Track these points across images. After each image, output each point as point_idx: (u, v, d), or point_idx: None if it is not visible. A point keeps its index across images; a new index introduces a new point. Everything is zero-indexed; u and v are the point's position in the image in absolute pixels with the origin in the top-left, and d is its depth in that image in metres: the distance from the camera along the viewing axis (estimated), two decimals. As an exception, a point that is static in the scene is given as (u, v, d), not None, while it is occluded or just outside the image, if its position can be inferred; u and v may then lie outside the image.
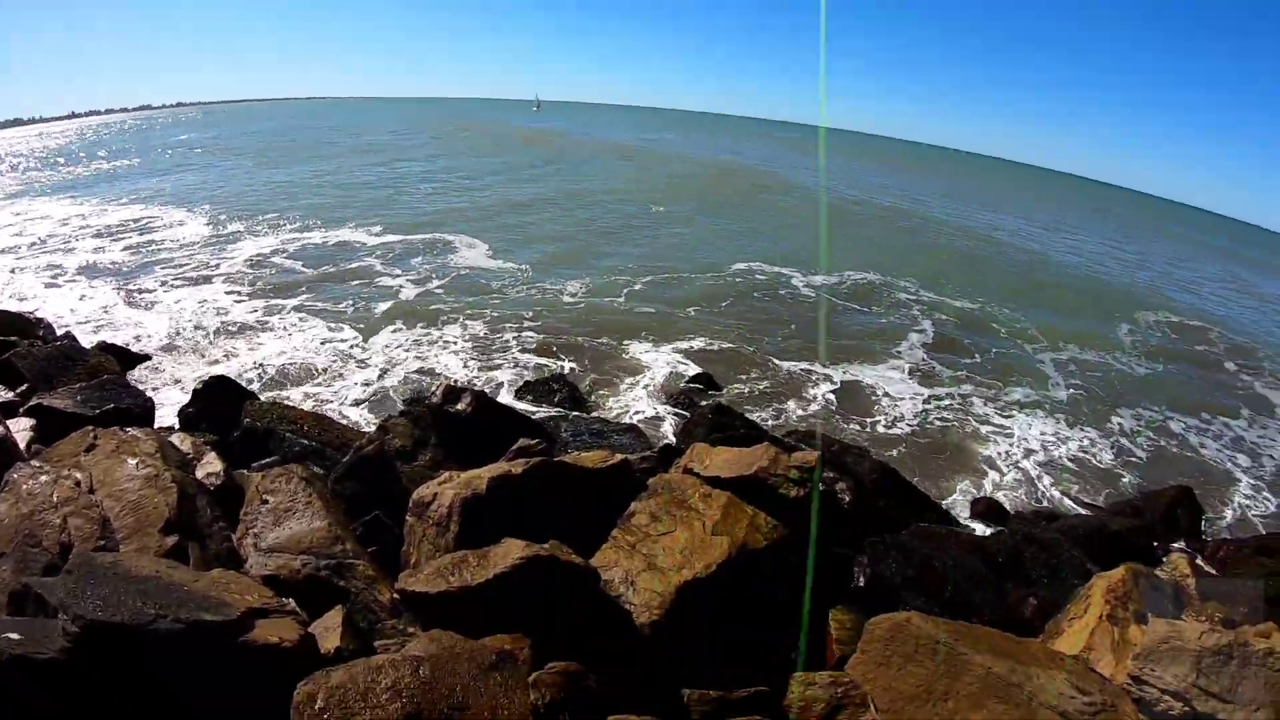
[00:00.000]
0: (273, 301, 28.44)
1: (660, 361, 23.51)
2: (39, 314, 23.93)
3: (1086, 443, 21.29)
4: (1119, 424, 23.01)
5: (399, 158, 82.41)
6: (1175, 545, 15.32)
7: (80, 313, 26.61)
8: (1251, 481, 20.47)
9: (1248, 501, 19.27)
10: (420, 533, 10.03)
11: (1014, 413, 22.81)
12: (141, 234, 40.81)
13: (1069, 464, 19.72)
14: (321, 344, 23.66)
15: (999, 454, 19.71)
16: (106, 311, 26.89)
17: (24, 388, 16.14)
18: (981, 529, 15.30)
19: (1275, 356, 35.63)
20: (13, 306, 24.46)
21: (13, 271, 32.79)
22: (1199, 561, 13.66)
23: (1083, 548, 13.65)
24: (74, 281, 31.16)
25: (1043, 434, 21.48)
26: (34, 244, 38.12)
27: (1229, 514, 18.36)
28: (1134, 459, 20.70)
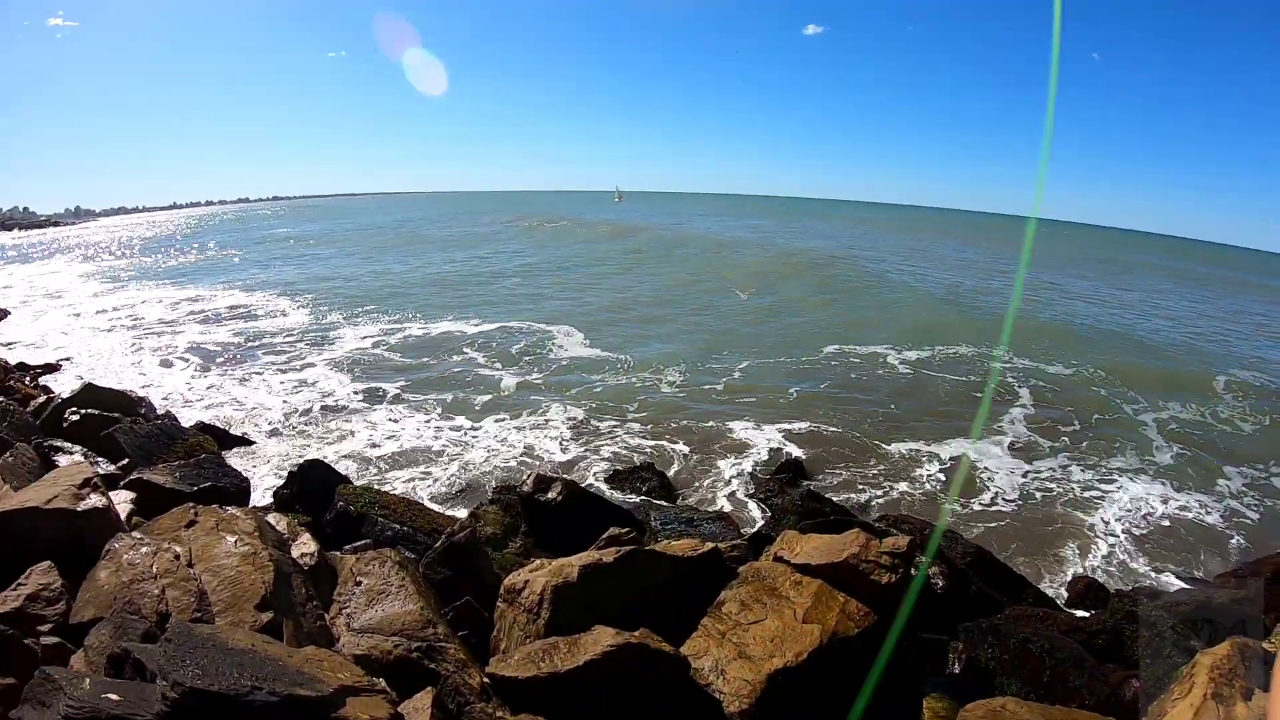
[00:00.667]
0: (371, 388, 28.85)
1: (756, 446, 23.30)
2: (142, 393, 24.61)
3: (1193, 507, 20.46)
4: (1226, 486, 22.17)
5: (487, 252, 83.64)
6: None
7: (182, 393, 27.35)
8: None
9: None
10: (511, 619, 10.02)
11: (1115, 480, 22.13)
12: (245, 320, 42.11)
13: (1173, 533, 18.98)
14: (418, 433, 23.86)
15: (1099, 527, 19.05)
16: (208, 392, 27.59)
17: (125, 462, 16.55)
18: (1080, 610, 14.84)
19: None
20: (116, 384, 25.09)
21: (120, 351, 33.86)
22: None
23: (1187, 624, 13.22)
24: (178, 363, 32.14)
25: (1145, 502, 20.71)
26: (143, 326, 39.43)
27: None
28: (1243, 522, 19.92)
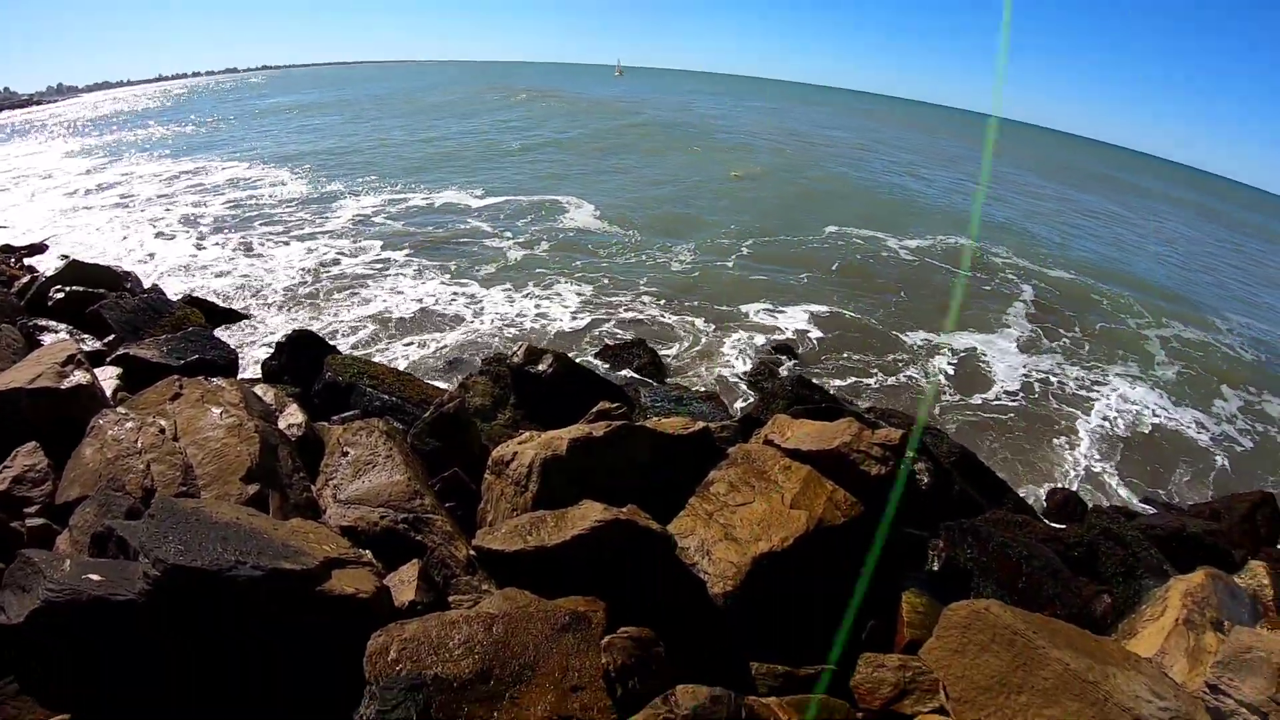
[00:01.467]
0: (369, 260, 28.60)
1: (749, 329, 23.24)
2: (131, 268, 24.38)
3: (1182, 426, 20.67)
4: (1220, 408, 22.30)
5: (484, 123, 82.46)
6: (1259, 552, 14.84)
7: (173, 266, 27.14)
8: None
9: None
10: (498, 491, 10.02)
11: (1112, 389, 22.25)
12: (240, 191, 41.61)
13: (1159, 451, 19.16)
14: (419, 302, 23.75)
15: (1087, 437, 19.18)
16: (199, 265, 27.42)
17: (111, 338, 16.43)
18: (1058, 522, 14.92)
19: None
20: (103, 260, 24.83)
21: (108, 227, 33.42)
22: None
23: (1160, 548, 13.32)
24: (167, 237, 31.77)
25: (1136, 413, 20.92)
26: (133, 201, 38.89)
27: None
28: (1229, 449, 20.01)
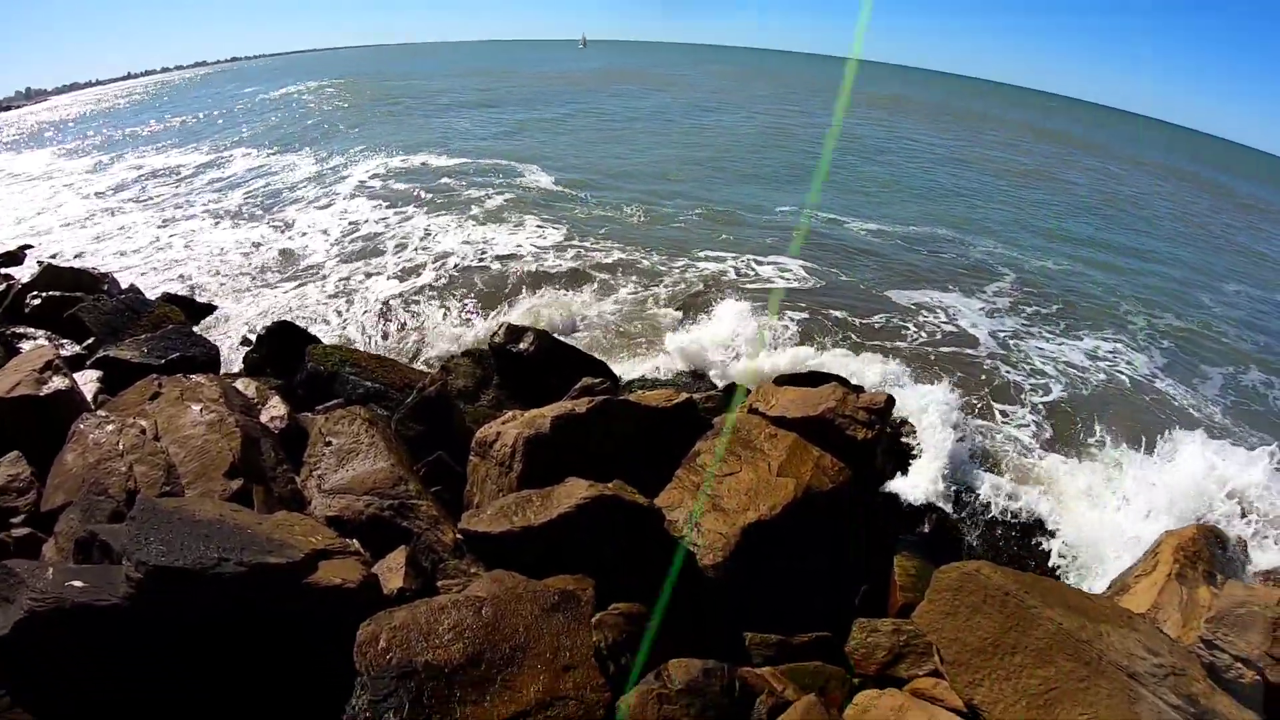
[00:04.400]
0: (321, 253, 28.20)
1: (734, 296, 23.08)
2: (105, 268, 24.15)
3: (1165, 391, 20.72)
4: (1200, 383, 22.32)
5: (448, 104, 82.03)
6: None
7: (149, 264, 26.78)
8: None
9: None
10: (483, 472, 10.01)
11: (1093, 358, 22.28)
12: (214, 181, 40.90)
13: (1143, 412, 19.16)
14: (387, 289, 23.58)
15: (1078, 401, 19.18)
16: (174, 260, 27.00)
17: (90, 341, 16.32)
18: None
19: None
20: (78, 263, 24.61)
21: (81, 229, 33.02)
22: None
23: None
24: (141, 234, 31.21)
25: (1121, 379, 20.96)
26: (105, 200, 38.18)
27: None
28: (1213, 414, 20.04)
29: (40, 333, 16.62)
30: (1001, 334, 22.27)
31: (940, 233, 32.56)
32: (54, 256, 26.50)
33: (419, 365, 17.40)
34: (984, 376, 19.69)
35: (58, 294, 18.65)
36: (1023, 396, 18.77)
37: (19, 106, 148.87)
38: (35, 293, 18.75)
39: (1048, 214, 39.16)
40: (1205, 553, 9.45)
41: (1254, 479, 11.96)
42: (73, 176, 46.36)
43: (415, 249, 27.10)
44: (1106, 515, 12.46)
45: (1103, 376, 20.51)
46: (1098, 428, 17.01)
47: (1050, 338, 22.37)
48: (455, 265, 24.83)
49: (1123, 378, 20.48)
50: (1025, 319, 23.72)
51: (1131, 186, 55.88)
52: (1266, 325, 26.05)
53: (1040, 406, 18.45)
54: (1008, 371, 19.99)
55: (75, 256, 27.37)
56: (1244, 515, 11.48)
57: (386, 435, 10.39)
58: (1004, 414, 17.68)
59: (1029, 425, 17.36)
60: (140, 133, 69.00)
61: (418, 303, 21.82)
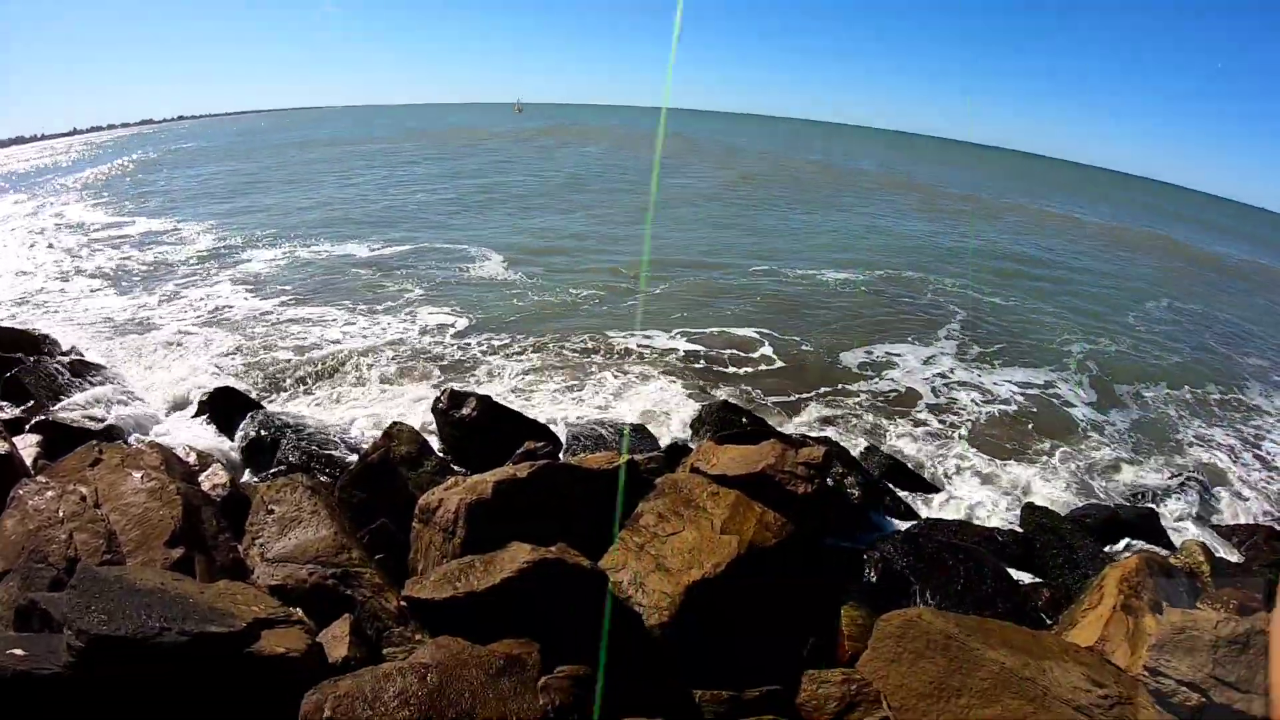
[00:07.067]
0: (272, 315, 28.03)
1: (673, 358, 23.35)
2: (44, 330, 23.87)
3: (1105, 426, 21.25)
4: (1138, 410, 22.97)
5: (384, 164, 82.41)
6: (1190, 532, 15.24)
7: (89, 324, 26.47)
8: (1265, 465, 20.41)
9: (1266, 485, 19.10)
10: (426, 539, 10.00)
11: (1036, 395, 22.85)
12: (153, 244, 40.56)
13: (1083, 448, 19.62)
14: (335, 346, 23.51)
15: (1015, 439, 19.61)
16: (116, 322, 26.73)
17: (29, 404, 16.13)
18: (993, 519, 15.19)
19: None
20: (21, 323, 24.36)
21: (20, 288, 32.64)
22: (1214, 548, 13.62)
23: (1095, 536, 13.67)
24: (84, 293, 30.98)
25: (1060, 416, 21.51)
26: (46, 258, 37.88)
27: (1248, 498, 18.18)
28: (1151, 444, 20.62)
29: (-23, 395, 16.44)
30: (937, 374, 22.92)
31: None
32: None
33: (359, 431, 17.36)
34: (923, 417, 20.14)
35: (-4, 354, 18.39)
36: (962, 434, 19.25)
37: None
38: (-28, 353, 18.46)
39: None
40: (1149, 582, 9.65)
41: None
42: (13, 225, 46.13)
43: (353, 318, 27.11)
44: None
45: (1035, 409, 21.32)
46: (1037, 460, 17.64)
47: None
48: (398, 338, 24.86)
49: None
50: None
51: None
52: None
53: (983, 441, 18.96)
54: (945, 412, 20.51)
55: (10, 316, 27.05)
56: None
57: (329, 503, 10.35)
58: (945, 455, 18.09)
59: (969, 464, 17.75)
60: (70, 184, 68.91)
61: (360, 370, 21.81)
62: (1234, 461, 20.36)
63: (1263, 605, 9.44)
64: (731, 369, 22.93)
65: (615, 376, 21.69)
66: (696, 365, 22.99)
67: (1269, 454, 21.21)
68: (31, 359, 18.23)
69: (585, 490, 10.44)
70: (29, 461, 11.80)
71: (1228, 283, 51.46)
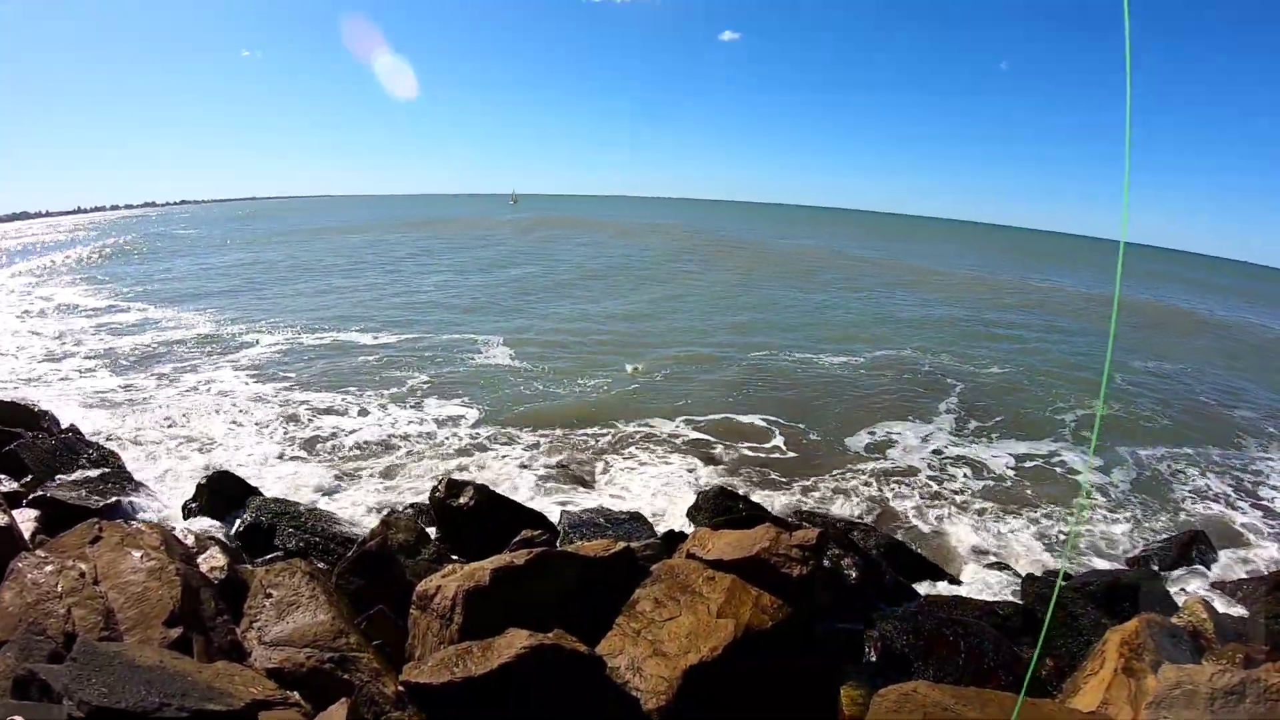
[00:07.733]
0: (272, 401, 28.08)
1: (670, 445, 23.43)
2: (43, 406, 23.86)
3: (1105, 490, 21.35)
4: (1136, 472, 23.06)
5: (377, 260, 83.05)
6: (1191, 590, 15.24)
7: (89, 403, 26.48)
8: (1264, 515, 20.52)
9: (1267, 537, 19.13)
10: (424, 625, 9.99)
11: (1032, 465, 22.98)
12: (151, 329, 40.68)
13: (1083, 515, 19.68)
14: (330, 440, 23.53)
15: (1013, 510, 19.67)
16: (115, 403, 26.75)
17: (28, 479, 16.14)
18: (993, 593, 15.16)
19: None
20: (19, 398, 24.35)
21: (20, 364, 32.73)
22: (1217, 604, 13.63)
23: (1097, 603, 13.63)
24: (84, 373, 31.07)
25: (1057, 483, 21.67)
26: (45, 338, 38.08)
27: (1250, 551, 18.18)
28: (1150, 505, 20.71)
29: (-25, 468, 16.45)
30: (930, 449, 23.07)
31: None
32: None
33: (357, 518, 17.33)
34: (920, 493, 20.24)
35: (-5, 429, 18.40)
36: (959, 509, 19.33)
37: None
38: (-30, 428, 18.46)
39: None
40: (1150, 643, 9.66)
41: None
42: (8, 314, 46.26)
43: (356, 406, 27.21)
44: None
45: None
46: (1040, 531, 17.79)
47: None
48: (401, 428, 25.00)
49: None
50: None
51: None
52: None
53: (980, 515, 19.05)
54: (940, 488, 20.59)
55: (11, 388, 27.15)
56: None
57: (327, 588, 10.37)
58: (943, 532, 18.18)
59: (967, 539, 17.82)
60: (66, 262, 69.44)
61: (357, 459, 21.86)
62: (1234, 514, 20.50)
63: (1268, 657, 9.47)
64: (730, 455, 23.01)
65: (614, 465, 21.78)
66: (698, 451, 23.09)
67: (1268, 501, 21.39)
68: (30, 434, 18.26)
69: (583, 577, 10.46)
70: (27, 535, 11.85)
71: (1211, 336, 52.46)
